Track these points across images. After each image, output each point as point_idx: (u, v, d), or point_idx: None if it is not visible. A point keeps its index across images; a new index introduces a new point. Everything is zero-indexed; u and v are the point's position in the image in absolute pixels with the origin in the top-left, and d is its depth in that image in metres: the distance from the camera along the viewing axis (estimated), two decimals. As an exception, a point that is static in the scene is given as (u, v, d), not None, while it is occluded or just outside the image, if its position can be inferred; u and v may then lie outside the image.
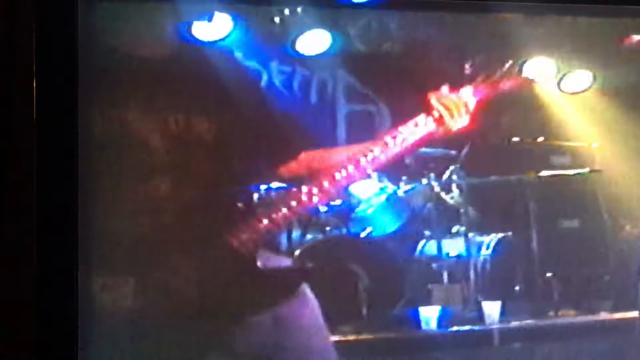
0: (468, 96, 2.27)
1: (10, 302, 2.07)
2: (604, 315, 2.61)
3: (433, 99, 2.27)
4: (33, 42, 2.04)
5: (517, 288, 2.61)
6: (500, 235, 2.63)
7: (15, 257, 2.07)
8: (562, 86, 2.58)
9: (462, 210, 2.62)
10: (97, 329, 2.23)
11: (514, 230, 2.63)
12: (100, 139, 2.22)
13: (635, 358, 2.57)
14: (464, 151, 2.60)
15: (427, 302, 2.58)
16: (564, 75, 2.58)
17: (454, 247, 2.62)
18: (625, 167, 2.60)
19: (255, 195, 2.32)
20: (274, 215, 2.24)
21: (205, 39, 2.32)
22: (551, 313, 2.62)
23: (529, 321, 2.60)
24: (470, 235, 2.61)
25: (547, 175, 2.64)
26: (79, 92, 2.08)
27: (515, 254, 2.62)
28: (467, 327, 2.57)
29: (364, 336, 2.51)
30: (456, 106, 2.28)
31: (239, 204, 2.28)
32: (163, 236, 2.30)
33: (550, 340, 2.59)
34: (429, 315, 2.56)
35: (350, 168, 2.24)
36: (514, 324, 2.59)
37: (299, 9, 2.37)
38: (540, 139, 2.60)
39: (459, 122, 2.29)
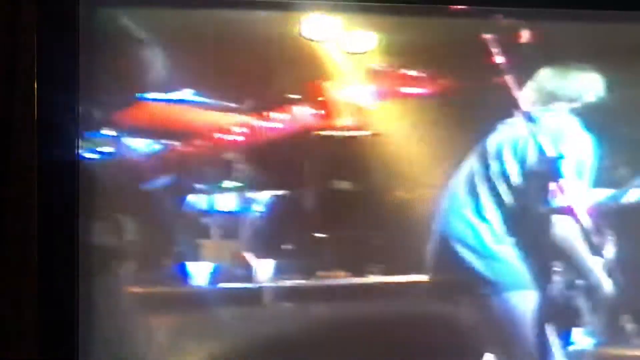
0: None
1: (12, 305, 2.20)
2: (374, 278, 2.58)
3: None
4: (34, 45, 2.19)
5: (288, 247, 2.59)
6: (274, 192, 2.61)
7: (17, 259, 2.22)
8: (344, 46, 2.57)
9: (235, 166, 2.60)
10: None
11: (287, 188, 2.61)
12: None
13: (433, 323, 2.55)
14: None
15: (197, 257, 2.56)
16: (346, 34, 2.57)
17: (225, 202, 2.60)
18: (404, 131, 2.59)
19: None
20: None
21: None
22: (322, 273, 2.59)
23: (299, 281, 2.58)
24: (243, 191, 2.60)
25: (324, 135, 2.62)
26: (81, 93, 2.24)
27: (288, 212, 2.60)
28: (237, 285, 2.56)
29: (132, 289, 2.50)
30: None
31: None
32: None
33: (320, 301, 2.57)
34: (198, 271, 2.55)
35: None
36: (285, 283, 2.57)
37: None
38: (321, 99, 2.58)
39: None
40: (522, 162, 2.63)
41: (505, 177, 2.63)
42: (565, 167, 2.61)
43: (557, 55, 2.59)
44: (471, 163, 2.64)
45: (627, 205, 2.62)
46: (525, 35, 2.55)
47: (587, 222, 2.61)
